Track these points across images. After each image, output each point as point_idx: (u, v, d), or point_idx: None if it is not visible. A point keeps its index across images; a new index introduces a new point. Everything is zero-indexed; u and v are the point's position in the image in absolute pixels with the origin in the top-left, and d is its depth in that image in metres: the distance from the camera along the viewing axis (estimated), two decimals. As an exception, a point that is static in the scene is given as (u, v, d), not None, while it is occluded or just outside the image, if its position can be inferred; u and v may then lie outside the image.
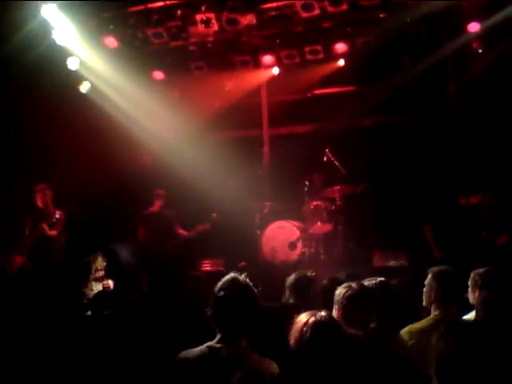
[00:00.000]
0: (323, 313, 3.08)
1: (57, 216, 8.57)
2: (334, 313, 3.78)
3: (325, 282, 4.70)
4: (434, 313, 4.03)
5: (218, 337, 3.18)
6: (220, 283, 3.23)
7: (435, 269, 4.17)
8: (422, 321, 4.06)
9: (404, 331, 3.91)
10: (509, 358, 1.98)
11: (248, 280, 3.26)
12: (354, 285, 3.84)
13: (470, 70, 9.56)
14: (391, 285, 4.37)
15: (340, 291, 3.84)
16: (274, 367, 3.12)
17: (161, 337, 4.38)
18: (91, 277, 6.54)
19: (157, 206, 9.75)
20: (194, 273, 7.85)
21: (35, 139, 9.48)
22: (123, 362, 3.47)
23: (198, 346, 3.22)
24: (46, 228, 8.52)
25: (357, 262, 8.80)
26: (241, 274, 3.30)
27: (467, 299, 4.47)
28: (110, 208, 9.97)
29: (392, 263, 8.64)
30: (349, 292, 3.78)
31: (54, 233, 8.57)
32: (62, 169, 9.45)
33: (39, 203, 8.62)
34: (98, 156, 10.04)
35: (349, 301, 3.76)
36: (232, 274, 3.27)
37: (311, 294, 4.96)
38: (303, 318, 3.07)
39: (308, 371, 2.90)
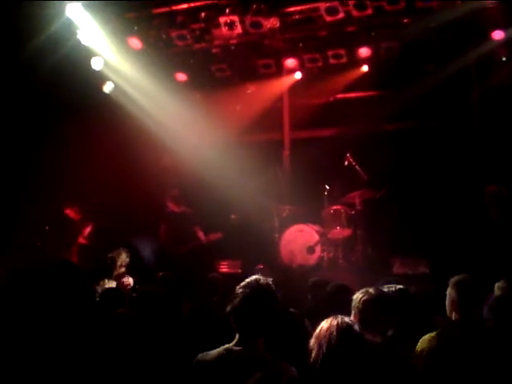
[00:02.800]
0: (346, 319, 3.07)
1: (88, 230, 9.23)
2: (352, 317, 3.77)
3: (329, 288, 4.68)
4: (454, 322, 4.02)
5: (236, 338, 3.18)
6: (242, 284, 3.24)
7: (454, 278, 4.16)
8: (442, 329, 4.03)
9: (424, 339, 3.89)
10: None
11: (271, 283, 3.26)
12: (371, 290, 3.83)
13: (493, 78, 9.50)
14: (410, 292, 4.36)
15: (357, 296, 3.83)
16: (293, 371, 3.11)
17: (178, 337, 4.38)
18: (115, 272, 6.54)
19: (173, 206, 9.76)
20: (211, 274, 7.90)
21: (57, 137, 9.58)
22: (139, 362, 3.47)
23: (215, 347, 3.22)
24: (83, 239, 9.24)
25: (376, 268, 8.75)
26: (264, 277, 3.30)
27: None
28: (130, 208, 10.03)
29: (413, 270, 8.57)
30: (365, 297, 3.78)
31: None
32: (83, 166, 9.56)
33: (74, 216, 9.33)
34: (119, 155, 10.10)
35: (365, 305, 3.75)
36: (255, 276, 3.27)
37: None
38: (326, 323, 3.06)
39: (327, 376, 2.89)
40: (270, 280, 3.29)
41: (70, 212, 9.39)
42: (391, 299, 3.96)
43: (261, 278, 3.26)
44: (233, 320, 3.18)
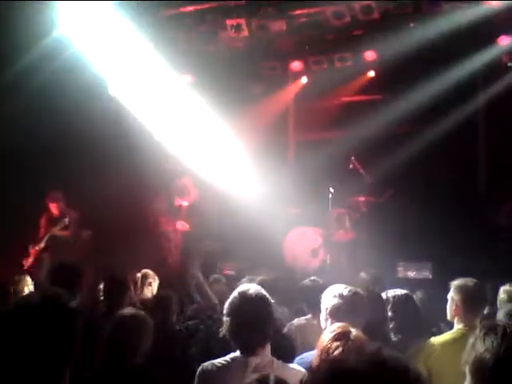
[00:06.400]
0: (345, 325, 3.07)
1: (67, 219, 8.89)
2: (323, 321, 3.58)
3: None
4: (457, 326, 3.99)
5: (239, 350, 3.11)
6: (229, 299, 3.13)
7: (456, 282, 4.11)
8: (445, 334, 4.02)
9: (427, 344, 3.88)
10: None
11: (261, 289, 3.16)
12: (343, 291, 3.55)
13: (499, 83, 9.54)
14: (413, 298, 4.35)
15: (329, 300, 3.57)
16: (302, 374, 3.03)
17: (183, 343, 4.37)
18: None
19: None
20: (214, 276, 7.94)
21: (62, 144, 9.58)
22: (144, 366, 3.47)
23: (222, 354, 3.17)
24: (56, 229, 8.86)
25: (380, 272, 8.74)
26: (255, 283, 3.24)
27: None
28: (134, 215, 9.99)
29: (415, 274, 8.58)
30: (337, 301, 3.52)
31: (66, 233, 8.90)
32: (90, 174, 9.54)
33: (54, 211, 9.01)
34: (123, 160, 10.07)
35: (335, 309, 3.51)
36: (242, 287, 3.18)
37: None
38: (329, 331, 3.06)
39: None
40: (258, 286, 3.20)
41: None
42: (361, 299, 3.62)
43: (247, 288, 3.13)
44: (229, 338, 3.10)
